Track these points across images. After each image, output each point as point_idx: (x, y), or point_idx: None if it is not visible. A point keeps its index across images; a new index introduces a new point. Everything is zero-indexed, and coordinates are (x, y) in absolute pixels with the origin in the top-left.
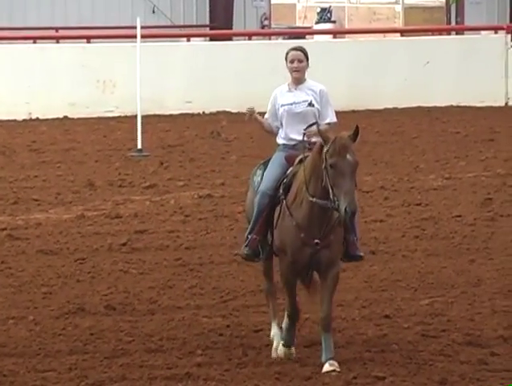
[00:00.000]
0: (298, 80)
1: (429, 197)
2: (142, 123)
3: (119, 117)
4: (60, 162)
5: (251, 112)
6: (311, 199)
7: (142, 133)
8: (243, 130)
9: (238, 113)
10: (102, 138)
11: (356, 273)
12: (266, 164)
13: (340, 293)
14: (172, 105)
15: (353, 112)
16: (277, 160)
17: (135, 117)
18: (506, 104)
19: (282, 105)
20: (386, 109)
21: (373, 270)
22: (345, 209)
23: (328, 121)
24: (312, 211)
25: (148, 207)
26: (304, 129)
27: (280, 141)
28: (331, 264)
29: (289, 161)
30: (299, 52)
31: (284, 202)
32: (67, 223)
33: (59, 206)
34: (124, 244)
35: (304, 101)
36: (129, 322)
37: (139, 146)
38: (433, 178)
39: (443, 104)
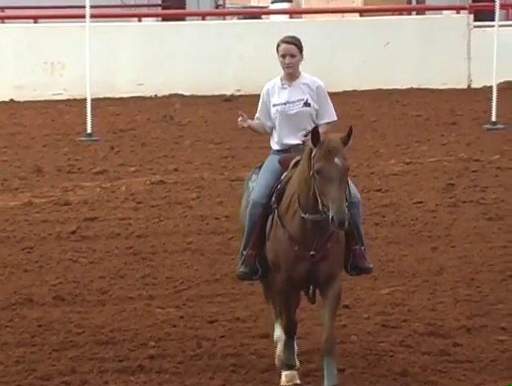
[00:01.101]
0: (291, 76)
1: (389, 183)
2: (91, 106)
3: (68, 100)
4: (6, 146)
5: (243, 120)
6: (303, 215)
7: (92, 116)
8: (197, 114)
9: (192, 96)
10: (50, 122)
11: None
12: (261, 168)
13: None
14: (123, 88)
15: None
16: (270, 165)
17: (85, 100)
18: (469, 86)
19: (275, 105)
20: (344, 92)
21: None
22: (332, 218)
23: (326, 120)
24: (305, 223)
25: (98, 194)
26: (304, 136)
27: (274, 146)
28: (330, 278)
29: (283, 164)
30: (291, 46)
31: (276, 211)
32: (13, 211)
33: (6, 192)
34: (73, 232)
35: (299, 100)
36: (78, 313)
37: (89, 130)
38: (393, 163)
39: (403, 87)
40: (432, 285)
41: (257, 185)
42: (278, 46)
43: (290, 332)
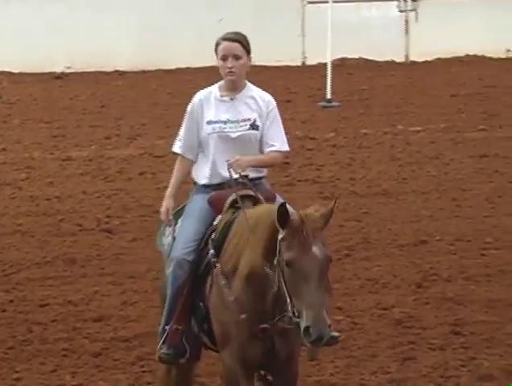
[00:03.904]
0: (234, 86)
1: None
2: None
3: None
4: None
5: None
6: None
7: None
8: (26, 92)
9: (20, 73)
10: None
11: (148, 242)
12: (178, 215)
13: (132, 264)
14: None
15: (144, 72)
16: (196, 207)
17: None
18: (303, 63)
19: (210, 122)
20: (178, 69)
21: None
22: (307, 329)
23: (276, 148)
24: (253, 282)
25: None
26: (228, 165)
27: (201, 180)
28: (289, 358)
29: (215, 205)
30: (235, 44)
31: (218, 266)
32: None
33: None
34: None
35: (245, 121)
36: None
37: None
38: None
39: None
40: None
41: (180, 237)
42: (217, 44)
43: None
